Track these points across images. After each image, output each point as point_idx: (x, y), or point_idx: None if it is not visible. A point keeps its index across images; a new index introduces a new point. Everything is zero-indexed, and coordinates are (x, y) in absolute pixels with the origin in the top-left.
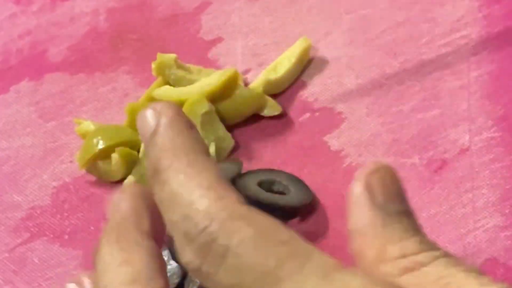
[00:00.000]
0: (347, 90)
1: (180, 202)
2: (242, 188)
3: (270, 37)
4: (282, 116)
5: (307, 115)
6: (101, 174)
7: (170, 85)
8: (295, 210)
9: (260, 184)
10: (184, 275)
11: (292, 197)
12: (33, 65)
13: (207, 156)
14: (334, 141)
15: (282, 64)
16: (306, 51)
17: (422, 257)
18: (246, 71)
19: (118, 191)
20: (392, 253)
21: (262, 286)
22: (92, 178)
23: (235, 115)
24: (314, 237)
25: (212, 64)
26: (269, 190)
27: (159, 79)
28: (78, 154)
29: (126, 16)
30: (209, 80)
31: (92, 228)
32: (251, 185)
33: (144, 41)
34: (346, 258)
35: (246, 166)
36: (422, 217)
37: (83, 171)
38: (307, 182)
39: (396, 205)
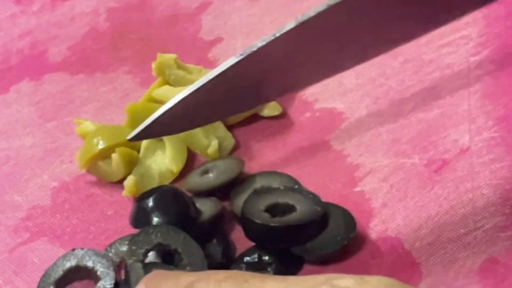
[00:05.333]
0: (347, 90)
1: None
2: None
3: None
4: (282, 116)
5: (307, 115)
6: (101, 174)
7: (170, 85)
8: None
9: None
10: None
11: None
12: (33, 65)
13: None
14: (334, 141)
15: None
16: None
17: None
18: None
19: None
20: None
21: None
22: (92, 178)
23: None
24: None
25: (212, 64)
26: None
27: (159, 79)
28: (78, 154)
29: (126, 16)
30: None
31: (92, 228)
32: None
33: (144, 41)
34: (345, 254)
35: (246, 166)
36: (422, 217)
37: (83, 171)
38: (307, 182)
39: None
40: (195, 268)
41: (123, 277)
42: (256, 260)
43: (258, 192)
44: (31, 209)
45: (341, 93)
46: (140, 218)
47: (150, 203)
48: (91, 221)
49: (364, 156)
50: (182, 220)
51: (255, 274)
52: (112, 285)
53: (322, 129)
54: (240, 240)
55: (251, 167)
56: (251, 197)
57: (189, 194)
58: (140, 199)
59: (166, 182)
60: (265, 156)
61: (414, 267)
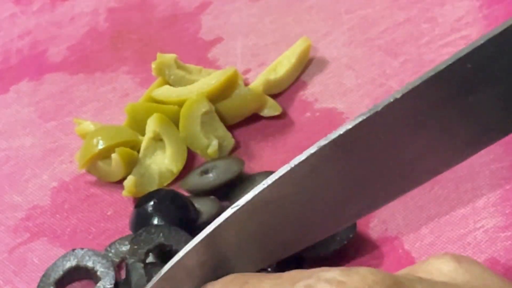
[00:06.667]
0: (347, 90)
1: None
2: None
3: (270, 37)
4: (282, 116)
5: (307, 115)
6: (101, 174)
7: (170, 85)
8: None
9: None
10: None
11: None
12: (33, 65)
13: None
14: None
15: (282, 64)
16: (306, 51)
17: None
18: (246, 71)
19: None
20: None
21: None
22: (92, 178)
23: (235, 115)
24: None
25: (212, 64)
26: None
27: (159, 79)
28: (78, 154)
29: (126, 16)
30: (209, 80)
31: (92, 228)
32: None
33: (144, 41)
34: (345, 255)
35: (246, 166)
36: (422, 217)
37: (83, 171)
38: None
39: None
40: None
41: (123, 277)
42: None
43: None
44: (31, 209)
45: (341, 93)
46: (140, 223)
47: (150, 208)
48: (91, 221)
49: None
50: (182, 223)
51: (254, 274)
52: (112, 285)
53: (322, 129)
54: None
55: (251, 167)
56: None
57: (189, 194)
58: (139, 204)
59: (166, 182)
60: (265, 156)
61: None
